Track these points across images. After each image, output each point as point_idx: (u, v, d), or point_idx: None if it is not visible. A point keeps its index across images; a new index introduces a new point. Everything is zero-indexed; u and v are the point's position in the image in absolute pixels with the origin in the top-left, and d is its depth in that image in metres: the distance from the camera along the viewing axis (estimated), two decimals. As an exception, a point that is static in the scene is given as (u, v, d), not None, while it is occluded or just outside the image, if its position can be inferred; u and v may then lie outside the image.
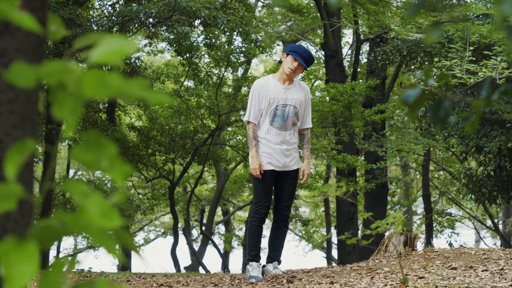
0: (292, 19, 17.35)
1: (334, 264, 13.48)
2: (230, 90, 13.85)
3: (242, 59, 10.85)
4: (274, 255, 5.59)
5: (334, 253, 20.43)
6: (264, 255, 6.57)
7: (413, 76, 14.00)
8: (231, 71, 14.08)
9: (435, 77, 7.51)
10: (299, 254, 25.96)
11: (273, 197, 5.76)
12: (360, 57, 15.42)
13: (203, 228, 15.01)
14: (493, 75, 7.58)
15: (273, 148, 5.45)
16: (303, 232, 23.77)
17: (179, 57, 10.97)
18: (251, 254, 5.52)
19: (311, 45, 18.88)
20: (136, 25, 9.38)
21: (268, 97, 5.42)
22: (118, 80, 1.06)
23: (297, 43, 5.59)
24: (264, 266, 5.62)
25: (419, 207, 21.96)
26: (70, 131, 1.05)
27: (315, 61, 18.84)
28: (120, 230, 1.13)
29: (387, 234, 6.67)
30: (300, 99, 5.50)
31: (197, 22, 9.74)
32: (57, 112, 1.06)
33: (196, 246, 19.78)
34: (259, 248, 5.60)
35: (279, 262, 5.61)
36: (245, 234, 17.71)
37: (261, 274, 5.44)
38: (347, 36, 19.54)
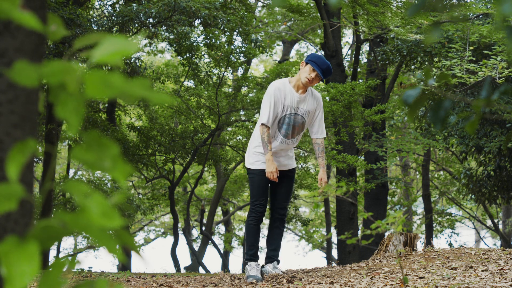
0: (292, 19, 17.34)
1: (334, 264, 13.48)
2: (230, 90, 13.86)
3: (242, 59, 10.85)
4: (273, 255, 5.60)
5: (334, 253, 20.44)
6: (262, 255, 6.57)
7: (413, 76, 14.00)
8: (231, 71, 14.08)
9: (435, 77, 7.51)
10: (299, 254, 25.96)
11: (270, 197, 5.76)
12: (360, 57, 15.43)
13: (203, 228, 15.01)
14: (493, 74, 7.58)
15: (274, 150, 5.47)
16: (303, 232, 23.76)
17: (179, 57, 10.97)
18: (249, 254, 5.53)
19: (311, 45, 18.88)
20: (136, 25, 9.38)
21: (282, 103, 5.42)
22: (120, 80, 1.06)
23: (317, 53, 5.57)
24: (263, 266, 5.62)
25: (419, 207, 21.96)
26: (73, 131, 1.05)
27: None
28: (120, 230, 1.13)
29: (387, 234, 6.67)
30: (310, 110, 5.50)
31: (197, 22, 9.75)
32: (60, 112, 1.06)
33: (196, 246, 19.78)
34: (257, 247, 5.61)
35: (278, 262, 5.61)
36: (245, 234, 17.71)
37: (260, 274, 5.44)
38: (347, 36, 19.55)
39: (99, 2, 11.77)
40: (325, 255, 22.18)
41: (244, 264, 5.62)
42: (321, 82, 8.01)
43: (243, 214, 24.52)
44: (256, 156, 5.50)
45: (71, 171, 20.75)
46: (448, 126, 10.72)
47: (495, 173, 11.43)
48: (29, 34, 1.21)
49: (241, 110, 11.72)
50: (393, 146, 11.25)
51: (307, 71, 5.40)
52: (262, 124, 5.36)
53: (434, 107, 1.77)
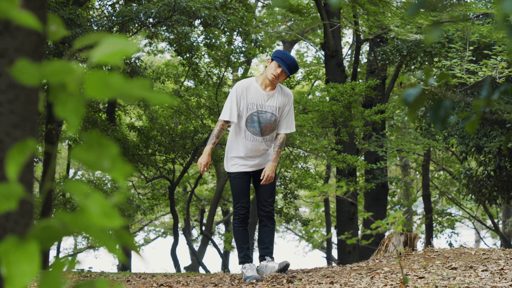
0: (292, 19, 17.35)
1: (334, 264, 13.48)
2: (230, 90, 13.85)
3: (242, 59, 10.86)
4: (265, 253, 5.57)
5: (334, 253, 20.44)
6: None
7: (413, 76, 14.00)
8: (231, 71, 14.08)
9: (435, 77, 7.51)
10: (299, 254, 25.96)
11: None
12: (360, 57, 15.42)
13: (203, 228, 15.02)
14: (493, 74, 7.58)
15: (246, 152, 5.45)
16: (303, 232, 23.76)
17: (179, 57, 10.97)
18: (241, 257, 5.52)
19: (311, 45, 18.88)
20: (136, 25, 9.38)
21: (246, 101, 5.39)
22: (120, 80, 1.06)
23: (283, 50, 5.53)
24: (258, 266, 5.60)
25: (419, 207, 21.96)
26: (72, 131, 1.05)
27: (315, 61, 18.83)
28: (120, 230, 1.13)
29: (387, 234, 6.67)
30: (279, 106, 5.46)
31: (197, 22, 9.75)
32: (60, 111, 1.06)
33: (196, 246, 19.78)
34: (248, 248, 5.58)
35: (272, 259, 5.58)
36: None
37: (257, 274, 5.43)
38: (347, 36, 19.55)
39: (99, 2, 11.77)
40: (325, 255, 22.18)
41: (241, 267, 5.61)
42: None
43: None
44: (232, 160, 5.51)
45: (71, 171, 20.75)
46: (448, 126, 10.72)
47: (495, 173, 11.43)
48: (29, 34, 1.21)
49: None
50: (393, 146, 11.25)
51: (272, 68, 5.37)
52: (219, 120, 5.40)
53: (434, 107, 1.77)
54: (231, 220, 23.18)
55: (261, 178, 5.46)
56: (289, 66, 5.34)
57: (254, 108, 5.40)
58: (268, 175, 5.44)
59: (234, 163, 5.50)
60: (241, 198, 5.49)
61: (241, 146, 5.47)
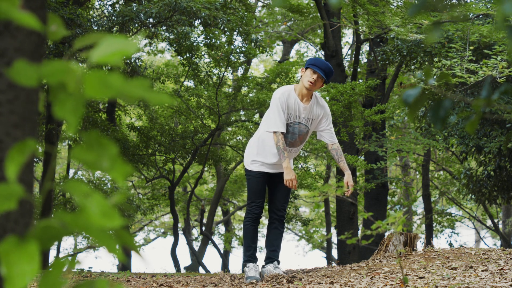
0: (292, 19, 17.34)
1: (334, 264, 13.48)
2: (230, 90, 13.85)
3: (242, 59, 10.86)
4: (273, 256, 5.59)
5: (334, 253, 20.43)
6: (262, 255, 6.57)
7: (413, 76, 14.00)
8: (231, 71, 14.08)
9: (435, 77, 7.51)
10: (299, 254, 25.96)
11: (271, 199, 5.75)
12: (360, 57, 15.42)
13: (203, 228, 15.01)
14: (493, 74, 7.58)
15: (276, 161, 5.43)
16: (303, 232, 23.76)
17: (179, 57, 10.97)
18: (247, 255, 5.53)
19: (311, 45, 18.88)
20: (136, 25, 9.38)
21: (287, 111, 5.34)
22: (120, 80, 1.06)
23: (315, 57, 5.44)
24: (263, 267, 5.62)
25: (419, 207, 21.96)
26: (71, 131, 1.05)
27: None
28: (120, 230, 1.13)
29: (387, 234, 6.67)
30: (313, 118, 5.43)
31: (197, 22, 9.74)
32: (59, 112, 1.06)
33: (196, 246, 19.78)
34: (255, 248, 5.60)
35: (279, 262, 5.62)
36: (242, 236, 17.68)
37: (259, 275, 5.44)
38: (347, 36, 19.55)
39: (99, 2, 11.77)
40: (325, 255, 22.18)
41: (243, 266, 5.63)
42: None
43: (243, 214, 24.50)
44: (254, 156, 5.49)
45: (71, 171, 20.74)
46: (448, 126, 10.72)
47: (495, 173, 11.42)
48: (29, 34, 1.21)
49: (241, 110, 11.72)
50: (393, 146, 11.25)
51: (308, 75, 5.29)
52: (275, 132, 5.28)
53: (434, 107, 1.77)
54: (231, 220, 23.09)
55: (345, 188, 5.39)
56: (324, 71, 5.25)
57: (290, 119, 5.36)
58: (351, 184, 5.39)
59: (255, 161, 5.48)
60: (258, 197, 5.49)
61: (271, 155, 5.44)
